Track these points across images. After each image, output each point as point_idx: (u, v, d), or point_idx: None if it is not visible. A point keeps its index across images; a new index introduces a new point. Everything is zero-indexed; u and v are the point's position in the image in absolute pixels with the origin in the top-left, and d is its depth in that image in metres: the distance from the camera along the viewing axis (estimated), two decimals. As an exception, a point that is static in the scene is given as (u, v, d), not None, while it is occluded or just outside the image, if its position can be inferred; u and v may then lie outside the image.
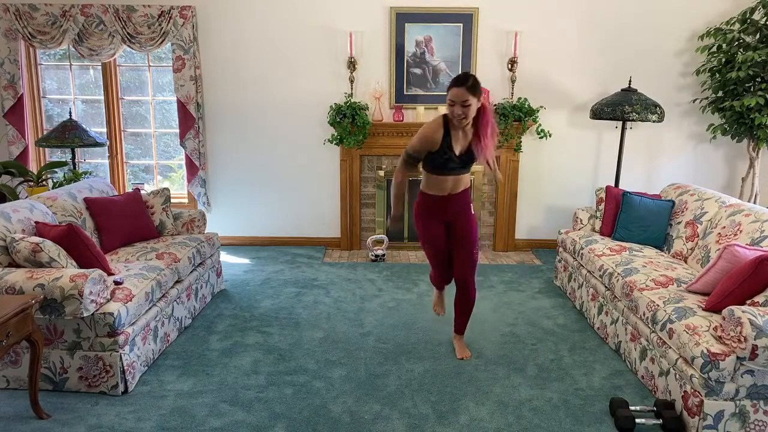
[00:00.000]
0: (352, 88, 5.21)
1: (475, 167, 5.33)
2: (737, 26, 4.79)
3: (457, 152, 2.96)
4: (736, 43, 4.74)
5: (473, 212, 3.21)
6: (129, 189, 5.63)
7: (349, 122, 5.03)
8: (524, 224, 5.56)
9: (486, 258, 5.31)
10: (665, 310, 2.87)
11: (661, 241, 3.96)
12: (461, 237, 3.16)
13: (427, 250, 3.26)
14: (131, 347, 2.94)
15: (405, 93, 5.24)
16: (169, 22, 4.99)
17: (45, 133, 5.27)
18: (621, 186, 5.19)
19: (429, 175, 3.06)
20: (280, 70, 5.26)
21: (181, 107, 5.19)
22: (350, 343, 3.49)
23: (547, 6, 5.11)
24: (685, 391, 2.60)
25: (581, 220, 4.48)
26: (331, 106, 5.11)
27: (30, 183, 4.85)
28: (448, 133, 2.93)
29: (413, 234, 5.56)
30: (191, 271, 3.80)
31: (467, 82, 2.80)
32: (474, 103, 2.83)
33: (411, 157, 3.01)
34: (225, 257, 5.17)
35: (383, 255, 5.16)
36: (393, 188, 3.18)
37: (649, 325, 2.98)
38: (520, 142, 5.20)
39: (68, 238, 3.03)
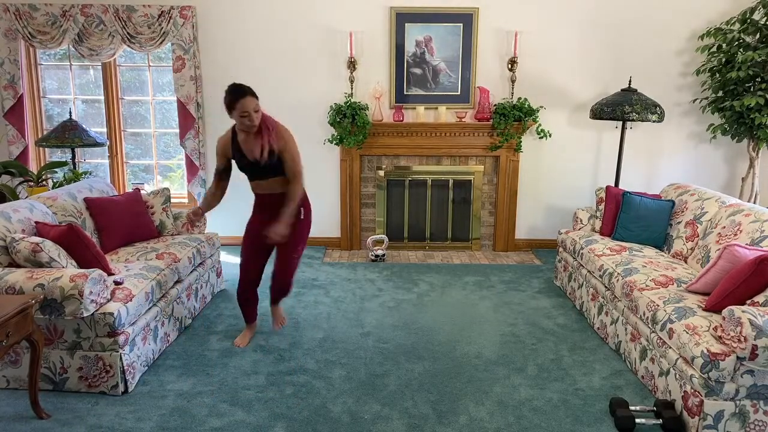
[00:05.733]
0: (352, 88, 5.21)
1: (474, 167, 5.34)
2: (737, 26, 4.79)
3: (251, 157, 3.16)
4: (736, 43, 4.74)
5: (301, 218, 3.31)
6: (129, 189, 5.63)
7: (349, 122, 5.03)
8: (524, 224, 5.56)
9: (486, 258, 5.31)
10: (665, 310, 2.87)
11: (661, 241, 3.96)
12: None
13: (243, 243, 3.40)
14: (131, 347, 2.94)
15: (405, 93, 5.24)
16: (169, 22, 4.99)
17: (45, 133, 5.28)
18: (621, 186, 5.19)
19: (250, 183, 3.33)
20: (280, 70, 5.27)
21: (181, 107, 5.19)
22: (350, 343, 3.49)
23: (547, 6, 5.11)
24: (685, 391, 2.60)
25: (581, 220, 4.48)
26: (331, 106, 5.11)
27: (30, 183, 4.85)
28: (236, 140, 3.19)
29: (414, 234, 5.56)
30: (191, 271, 3.80)
31: (248, 90, 3.03)
32: (259, 106, 3.08)
33: (216, 170, 3.32)
34: (225, 257, 5.17)
35: (383, 255, 5.16)
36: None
37: (649, 325, 2.98)
38: (520, 142, 5.20)
39: (68, 238, 3.03)
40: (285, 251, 3.33)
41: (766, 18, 4.63)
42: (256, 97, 3.06)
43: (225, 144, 3.24)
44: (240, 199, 5.52)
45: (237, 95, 3.00)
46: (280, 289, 3.45)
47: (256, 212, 3.40)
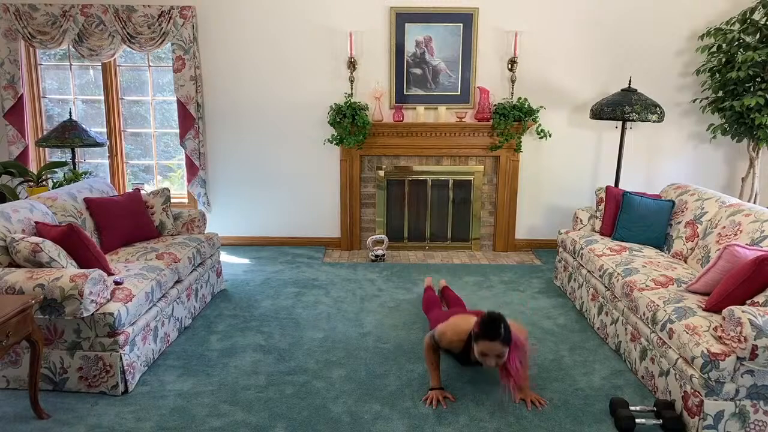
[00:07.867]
0: (352, 88, 5.21)
1: (474, 167, 5.34)
2: (737, 26, 4.79)
3: (473, 360, 2.82)
4: (736, 43, 4.74)
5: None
6: (129, 189, 5.63)
7: (349, 122, 5.03)
8: (524, 224, 5.56)
9: (486, 258, 5.31)
10: (665, 310, 2.87)
11: (661, 241, 3.96)
12: None
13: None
14: (131, 347, 2.94)
15: (405, 93, 5.24)
16: (169, 22, 4.99)
17: (45, 133, 5.28)
18: (621, 186, 5.19)
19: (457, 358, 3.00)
20: (280, 70, 5.26)
21: (181, 107, 5.19)
22: (350, 343, 3.49)
23: (547, 6, 5.11)
24: (685, 391, 2.60)
25: (581, 220, 4.48)
26: (331, 106, 5.11)
27: (30, 183, 4.85)
28: (470, 347, 2.76)
29: (414, 234, 5.56)
30: (191, 271, 3.80)
31: (501, 335, 2.57)
32: (506, 353, 2.64)
33: (436, 343, 2.90)
34: (225, 257, 5.17)
35: (383, 255, 5.16)
36: (425, 359, 2.99)
37: (649, 325, 2.98)
38: (520, 142, 5.20)
39: (68, 238, 3.03)
40: None
41: (766, 18, 4.63)
42: (508, 345, 2.61)
43: (458, 344, 2.83)
44: (241, 199, 5.54)
45: (486, 336, 2.59)
46: None
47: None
